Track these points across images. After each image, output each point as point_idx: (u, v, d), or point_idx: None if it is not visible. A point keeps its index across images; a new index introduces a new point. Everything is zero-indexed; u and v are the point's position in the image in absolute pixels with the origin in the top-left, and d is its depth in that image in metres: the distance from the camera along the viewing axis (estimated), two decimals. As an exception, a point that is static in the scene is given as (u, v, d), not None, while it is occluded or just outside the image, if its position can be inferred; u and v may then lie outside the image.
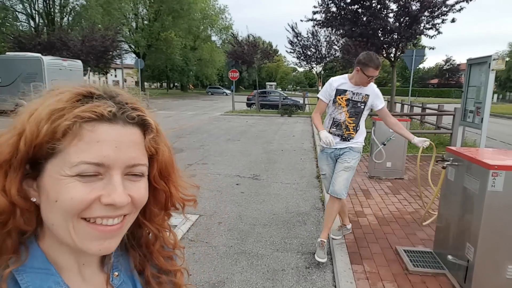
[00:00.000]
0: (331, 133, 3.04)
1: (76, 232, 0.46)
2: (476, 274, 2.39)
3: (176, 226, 3.91)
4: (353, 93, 3.00)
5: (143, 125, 0.50)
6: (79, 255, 0.51)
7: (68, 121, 0.44)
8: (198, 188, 0.63)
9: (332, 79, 3.09)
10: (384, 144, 5.39)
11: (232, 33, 23.99)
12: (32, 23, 30.13)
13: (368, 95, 3.00)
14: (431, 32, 8.38)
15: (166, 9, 35.18)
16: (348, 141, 3.05)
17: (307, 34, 18.99)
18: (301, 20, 10.80)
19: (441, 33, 8.50)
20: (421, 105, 11.00)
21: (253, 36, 21.27)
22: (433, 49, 9.10)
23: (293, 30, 19.04)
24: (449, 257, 2.56)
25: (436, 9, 8.32)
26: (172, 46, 36.17)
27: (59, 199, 0.44)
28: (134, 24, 38.12)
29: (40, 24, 29.90)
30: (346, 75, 3.08)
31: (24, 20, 30.55)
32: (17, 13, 29.89)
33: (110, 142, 0.46)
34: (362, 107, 3.02)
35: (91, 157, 0.45)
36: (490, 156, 2.52)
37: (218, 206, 4.48)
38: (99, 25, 26.20)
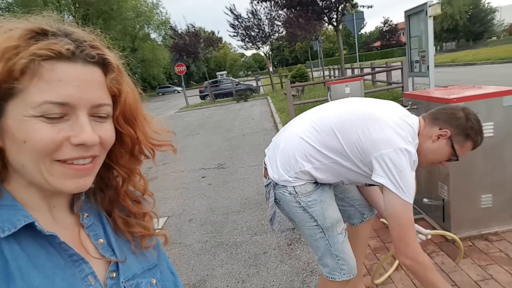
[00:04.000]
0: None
1: (50, 173, 0.46)
2: (454, 210, 2.38)
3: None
4: None
5: (104, 64, 0.49)
6: (50, 198, 0.51)
7: (24, 59, 0.42)
8: (174, 134, 0.62)
9: (413, 153, 1.31)
10: None
11: (170, 26, 22.94)
12: None
13: None
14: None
15: (95, 12, 32.85)
16: None
17: (247, 14, 18.64)
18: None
19: (375, -10, 8.62)
20: (370, 65, 11.26)
21: (192, 25, 20.53)
22: (371, 7, 9.23)
23: (232, 12, 18.58)
24: (425, 200, 2.53)
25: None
26: (110, 50, 34.19)
27: (27, 140, 0.44)
28: (63, 34, 35.31)
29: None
30: (409, 129, 1.36)
31: None
32: None
33: (71, 81, 0.45)
34: None
35: (54, 96, 0.44)
36: (446, 92, 2.49)
37: (186, 203, 4.21)
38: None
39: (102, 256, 0.55)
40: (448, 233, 1.96)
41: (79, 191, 0.50)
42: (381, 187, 1.35)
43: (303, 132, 1.47)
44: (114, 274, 0.55)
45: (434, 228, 2.57)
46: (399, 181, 1.26)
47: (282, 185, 1.47)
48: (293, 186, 1.46)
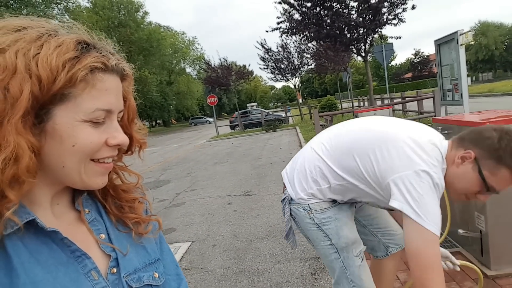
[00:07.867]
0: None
1: (85, 172, 0.50)
2: (493, 243, 2.19)
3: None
4: None
5: (122, 74, 0.53)
6: (56, 195, 0.53)
7: (84, 70, 0.45)
8: (145, 130, 0.65)
9: (435, 176, 1.14)
10: None
11: (204, 60, 24.11)
12: None
13: None
14: (395, 22, 8.55)
15: (136, 49, 35.47)
16: None
17: (277, 48, 19.26)
18: (267, 31, 10.94)
19: (404, 21, 8.67)
20: (400, 95, 11.08)
21: (225, 59, 21.46)
22: (399, 38, 9.26)
23: (262, 46, 19.28)
24: (460, 231, 2.35)
25: (395, -1, 8.54)
26: (148, 84, 36.30)
27: (77, 143, 0.47)
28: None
29: None
30: (435, 152, 1.19)
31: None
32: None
33: (113, 90, 0.50)
34: None
35: (103, 104, 0.49)
36: (479, 116, 2.38)
37: (211, 229, 4.20)
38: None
39: (103, 252, 0.56)
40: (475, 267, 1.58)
41: (102, 187, 0.55)
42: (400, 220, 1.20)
43: (321, 150, 1.39)
44: (115, 270, 0.55)
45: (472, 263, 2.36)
46: (420, 206, 1.08)
47: (297, 202, 1.41)
48: (308, 204, 1.39)
